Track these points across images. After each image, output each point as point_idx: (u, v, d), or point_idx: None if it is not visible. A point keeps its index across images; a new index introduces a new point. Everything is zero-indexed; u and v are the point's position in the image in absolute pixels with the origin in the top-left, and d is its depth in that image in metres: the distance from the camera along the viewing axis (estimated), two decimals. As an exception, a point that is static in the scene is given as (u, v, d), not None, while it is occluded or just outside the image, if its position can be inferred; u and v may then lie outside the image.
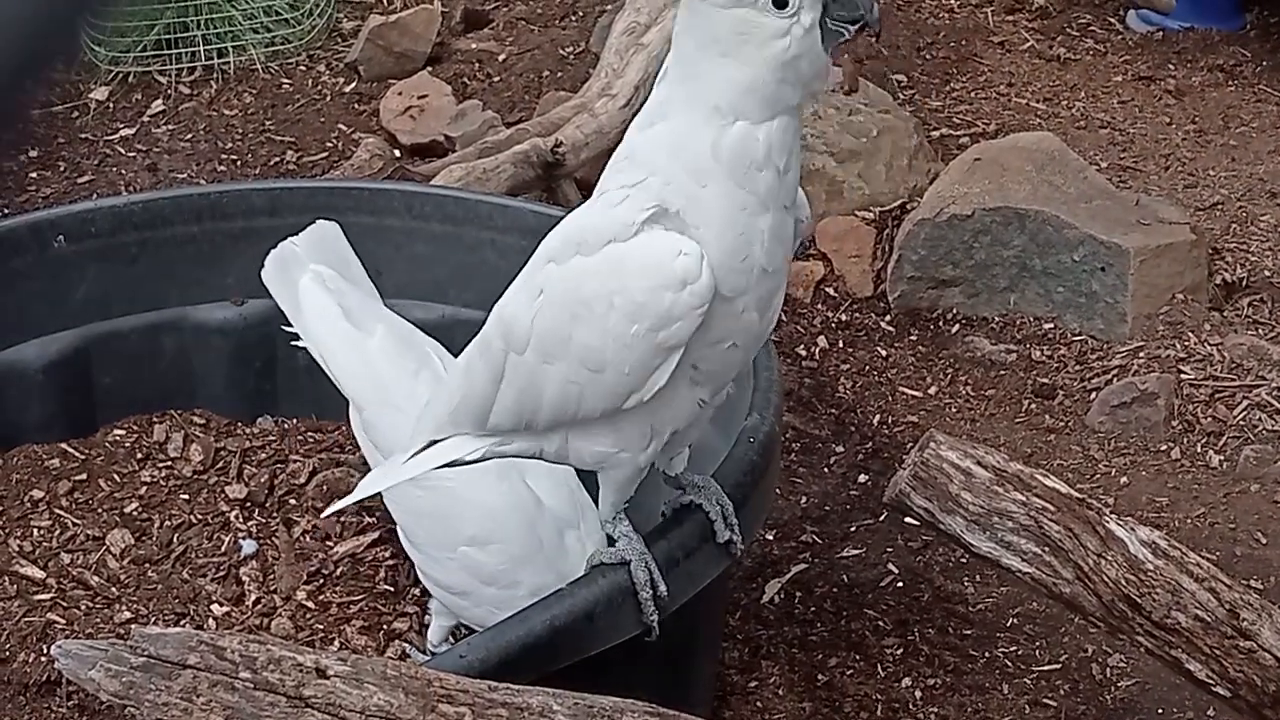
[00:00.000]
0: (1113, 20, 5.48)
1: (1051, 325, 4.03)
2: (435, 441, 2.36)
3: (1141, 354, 3.88)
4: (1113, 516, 2.68)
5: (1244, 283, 4.13)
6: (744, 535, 2.46)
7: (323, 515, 2.92)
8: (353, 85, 5.14)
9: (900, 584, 3.32)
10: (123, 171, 4.75)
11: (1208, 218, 4.39)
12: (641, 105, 4.33)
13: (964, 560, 3.28)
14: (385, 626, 2.91)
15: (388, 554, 3.02)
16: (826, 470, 3.65)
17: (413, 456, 2.37)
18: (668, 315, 2.06)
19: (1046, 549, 2.66)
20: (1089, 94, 5.05)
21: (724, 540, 2.41)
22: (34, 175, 4.75)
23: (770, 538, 3.42)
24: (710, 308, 2.07)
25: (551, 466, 2.55)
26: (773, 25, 1.96)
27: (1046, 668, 3.14)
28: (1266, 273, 4.16)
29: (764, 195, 2.05)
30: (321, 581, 2.99)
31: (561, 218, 3.15)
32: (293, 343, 2.92)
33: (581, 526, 2.69)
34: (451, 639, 2.81)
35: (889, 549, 3.40)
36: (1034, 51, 5.26)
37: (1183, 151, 4.75)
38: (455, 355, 2.86)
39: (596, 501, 2.45)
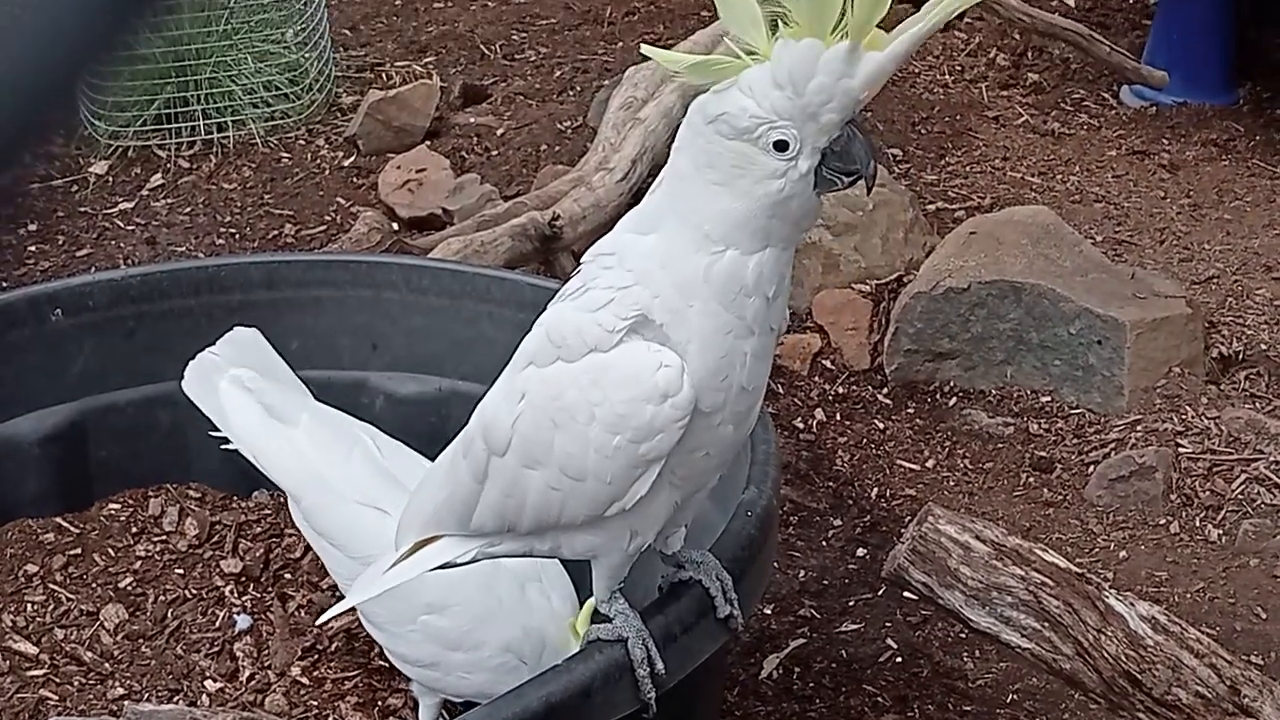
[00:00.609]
0: (1106, 95, 5.52)
1: (1049, 398, 4.03)
2: (422, 543, 2.34)
3: (1139, 427, 3.87)
4: (1112, 591, 2.67)
5: (1240, 356, 4.13)
6: (742, 610, 2.44)
7: (318, 623, 2.90)
8: (351, 159, 5.17)
9: (899, 659, 3.29)
10: (121, 245, 4.76)
11: (1203, 291, 4.40)
12: (638, 179, 4.40)
13: (963, 635, 3.26)
14: (380, 703, 2.89)
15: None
16: (824, 544, 3.63)
17: (399, 560, 2.35)
18: (649, 428, 2.07)
19: (1046, 624, 2.64)
20: (1084, 168, 5.08)
21: (724, 615, 2.39)
22: (32, 249, 4.76)
23: (768, 612, 3.40)
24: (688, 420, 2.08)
25: None
26: (770, 165, 1.97)
27: (1047, 744, 3.11)
28: (1263, 346, 4.17)
29: (750, 320, 2.06)
30: (316, 657, 2.97)
31: (559, 291, 3.16)
32: (223, 447, 2.93)
33: (543, 579, 2.68)
34: (445, 715, 2.79)
35: (888, 624, 3.38)
36: (1029, 126, 5.30)
37: (1178, 225, 4.77)
38: (446, 430, 2.85)
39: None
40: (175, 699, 2.89)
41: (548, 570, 2.69)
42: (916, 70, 5.60)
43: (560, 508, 2.17)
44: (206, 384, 2.95)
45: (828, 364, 4.21)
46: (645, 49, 2.06)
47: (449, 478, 2.28)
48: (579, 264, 2.22)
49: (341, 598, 3.04)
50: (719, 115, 1.97)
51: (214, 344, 3.00)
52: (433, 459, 2.56)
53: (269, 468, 2.86)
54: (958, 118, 5.30)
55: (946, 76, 5.56)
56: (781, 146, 1.96)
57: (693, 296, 2.04)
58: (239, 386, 2.91)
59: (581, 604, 2.63)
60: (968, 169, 5.04)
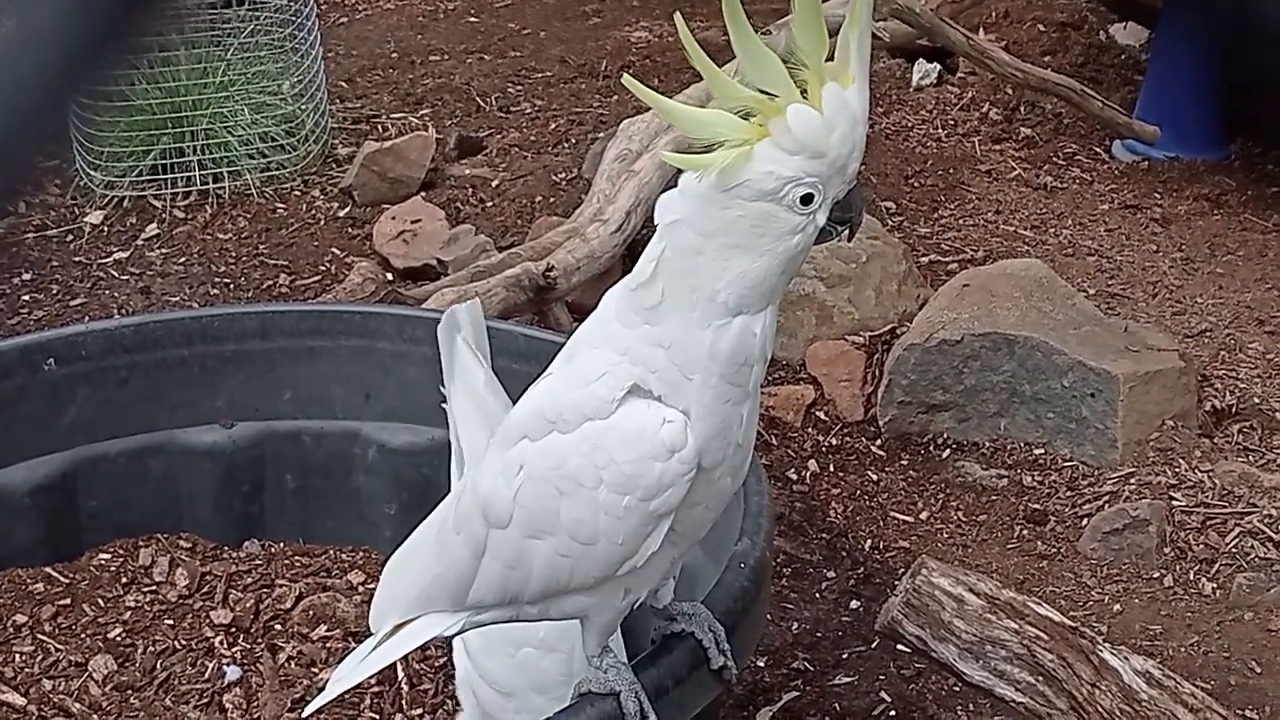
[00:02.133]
0: (1098, 150, 5.55)
1: (1042, 451, 4.03)
2: (404, 622, 2.31)
3: (1133, 480, 3.87)
4: (1106, 645, 2.66)
5: (1233, 409, 4.13)
6: (735, 662, 2.43)
7: (303, 716, 2.84)
8: (346, 210, 5.18)
9: (893, 713, 3.27)
10: (115, 295, 4.76)
11: (1196, 345, 4.41)
12: (632, 230, 4.42)
13: (957, 689, 3.24)
14: (370, 755, 2.87)
15: (373, 680, 2.98)
16: (818, 596, 3.62)
17: (382, 642, 2.31)
18: (658, 484, 2.07)
19: (1040, 678, 2.63)
20: (1076, 222, 5.10)
21: (718, 667, 2.38)
22: (26, 298, 4.76)
23: (761, 665, 3.39)
24: None
25: None
26: (793, 220, 1.97)
27: (1042, 799, 3.08)
28: (1256, 399, 4.17)
29: (749, 387, 2.08)
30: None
31: (552, 341, 3.16)
32: (442, 404, 2.77)
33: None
34: None
35: (881, 677, 3.36)
36: (1021, 180, 5.33)
37: (1170, 279, 4.79)
38: (439, 480, 2.84)
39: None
40: (163, 751, 2.87)
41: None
42: (910, 124, 5.63)
43: (570, 573, 2.15)
44: (449, 336, 2.75)
45: (821, 415, 4.21)
46: (664, 155, 2.07)
47: (440, 555, 2.25)
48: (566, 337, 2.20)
49: (340, 645, 3.03)
50: (740, 183, 1.95)
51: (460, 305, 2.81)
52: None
53: (463, 429, 2.69)
54: (951, 171, 5.33)
55: (940, 130, 5.59)
56: (808, 200, 1.96)
57: (693, 371, 2.04)
58: (469, 349, 2.73)
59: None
60: (961, 222, 5.05)
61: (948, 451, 4.08)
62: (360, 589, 3.17)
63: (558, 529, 2.13)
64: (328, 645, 3.04)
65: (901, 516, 3.89)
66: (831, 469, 4.05)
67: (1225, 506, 3.78)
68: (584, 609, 2.23)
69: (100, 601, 3.16)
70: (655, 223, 2.05)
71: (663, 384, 2.05)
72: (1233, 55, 5.44)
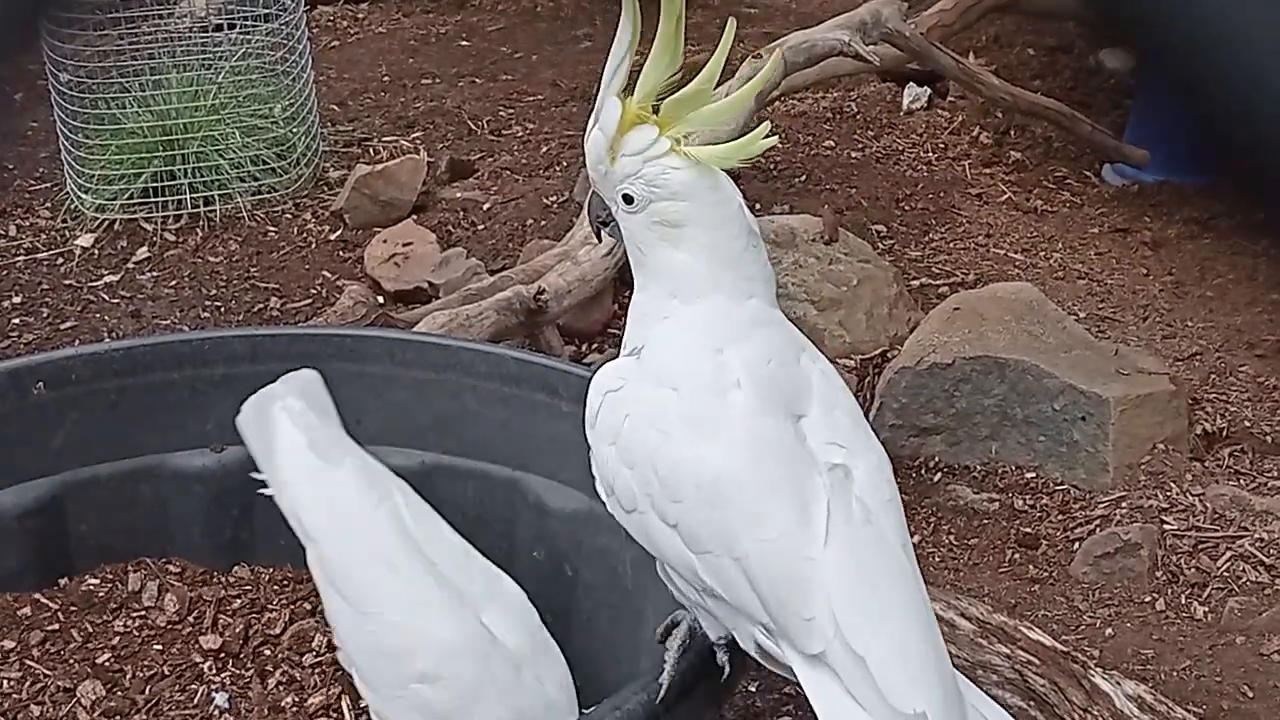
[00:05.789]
0: (1088, 173, 5.57)
1: (1033, 474, 4.03)
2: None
3: (1124, 504, 3.87)
4: (1098, 670, 2.66)
5: (1224, 433, 4.14)
6: (726, 688, 2.43)
7: None
8: (338, 233, 5.18)
9: (884, 738, 3.27)
10: (106, 318, 4.75)
11: (1187, 368, 4.41)
12: (622, 254, 4.39)
13: (949, 713, 3.23)
14: (359, 781, 2.85)
15: (362, 700, 2.97)
16: (809, 621, 3.61)
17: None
18: None
19: (1032, 703, 2.63)
20: (1066, 245, 5.11)
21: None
22: (16, 321, 4.75)
23: (753, 690, 3.38)
24: None
25: (509, 604, 2.68)
26: None
27: (1034, 825, 3.08)
28: (1246, 423, 4.18)
29: None
30: (295, 735, 2.93)
31: (543, 365, 3.16)
32: (259, 490, 2.88)
33: (541, 663, 2.66)
34: None
35: (873, 701, 3.35)
36: (1011, 203, 5.34)
37: (1160, 302, 4.79)
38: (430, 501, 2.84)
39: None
40: (152, 777, 2.85)
41: (549, 655, 2.66)
42: (900, 148, 5.65)
43: None
44: (261, 416, 2.91)
45: (812, 439, 4.20)
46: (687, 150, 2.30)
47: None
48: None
49: (328, 670, 3.02)
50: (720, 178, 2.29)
51: (275, 382, 2.97)
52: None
53: (295, 507, 2.81)
54: (941, 195, 5.34)
55: (930, 154, 5.61)
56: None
57: None
58: (289, 417, 2.87)
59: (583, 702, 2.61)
60: (951, 245, 5.06)
61: (939, 475, 4.08)
62: (350, 614, 3.16)
63: None
64: (317, 671, 3.03)
65: (893, 540, 3.88)
66: (823, 493, 4.04)
67: (1216, 530, 3.78)
68: None
69: (89, 627, 3.15)
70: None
71: None
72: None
